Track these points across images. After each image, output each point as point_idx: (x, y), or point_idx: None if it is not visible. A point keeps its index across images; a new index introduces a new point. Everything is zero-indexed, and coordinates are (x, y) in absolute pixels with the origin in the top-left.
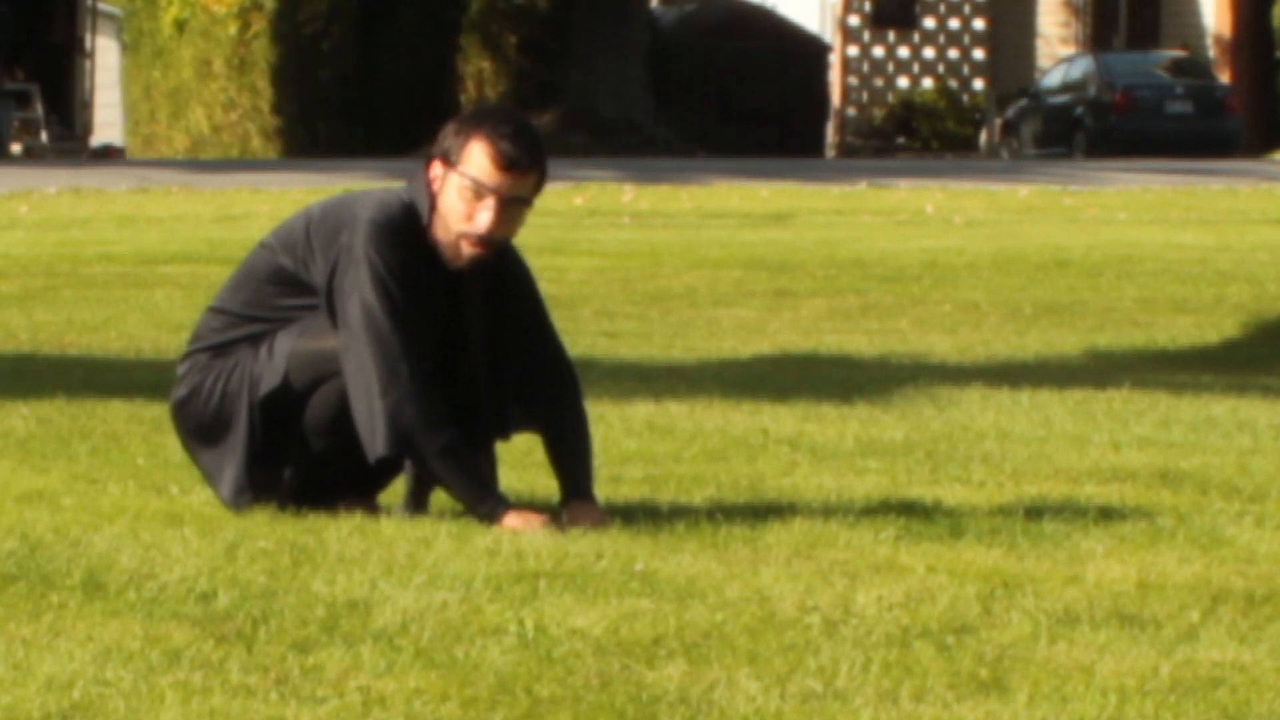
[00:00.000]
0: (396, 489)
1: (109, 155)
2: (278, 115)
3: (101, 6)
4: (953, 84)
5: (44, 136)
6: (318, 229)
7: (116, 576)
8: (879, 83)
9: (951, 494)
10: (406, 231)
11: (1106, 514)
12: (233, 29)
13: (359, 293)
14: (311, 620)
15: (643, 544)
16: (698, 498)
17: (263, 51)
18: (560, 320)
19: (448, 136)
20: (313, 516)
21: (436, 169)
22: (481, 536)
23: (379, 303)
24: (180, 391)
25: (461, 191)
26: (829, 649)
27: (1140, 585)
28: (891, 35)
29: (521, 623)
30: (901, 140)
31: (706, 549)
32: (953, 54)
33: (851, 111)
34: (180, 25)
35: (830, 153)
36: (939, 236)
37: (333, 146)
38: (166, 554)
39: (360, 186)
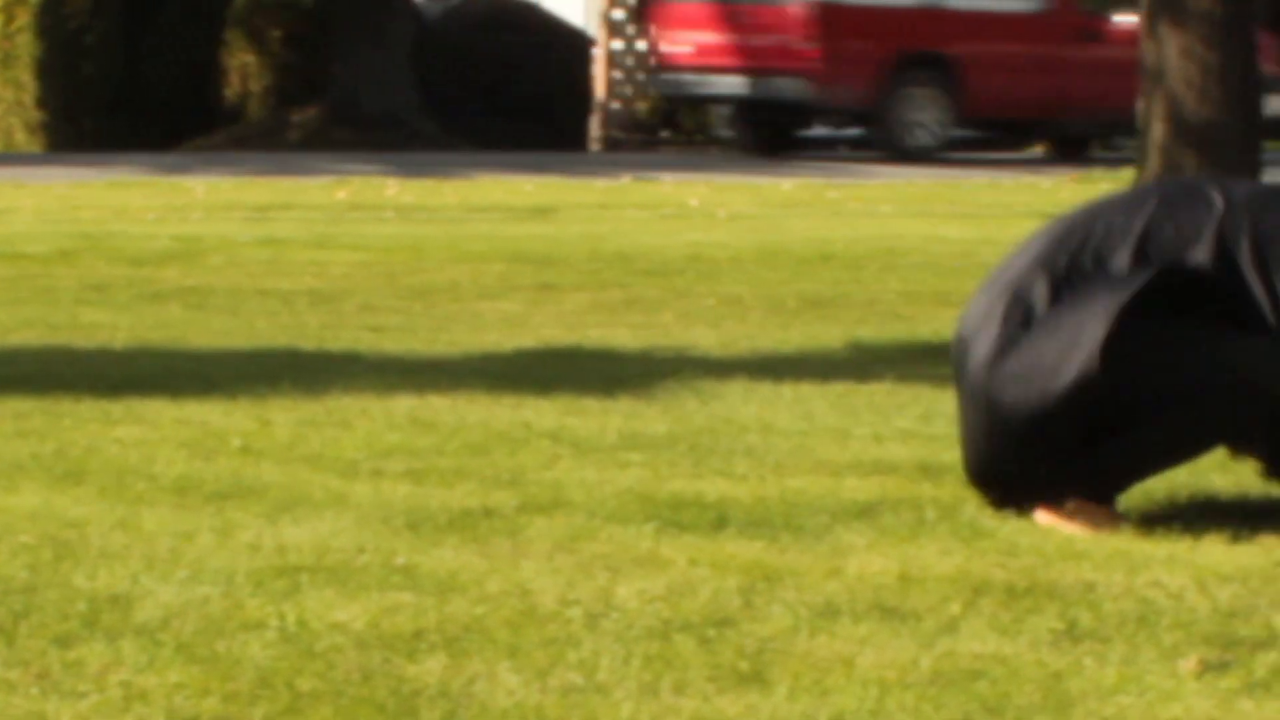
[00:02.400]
0: None
1: None
2: (42, 109)
3: None
4: None
5: None
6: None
7: None
8: (643, 77)
9: (714, 487)
10: None
11: (868, 507)
12: None
13: None
14: (72, 615)
15: (404, 538)
16: (459, 491)
17: (26, 45)
18: (322, 315)
19: None
20: (74, 511)
21: None
22: (244, 531)
23: None
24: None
25: None
26: (590, 642)
27: (901, 578)
28: (655, 29)
29: (283, 617)
30: (665, 134)
31: (468, 543)
32: None
33: (615, 105)
34: None
35: (595, 146)
36: (703, 230)
37: (98, 140)
38: None
39: (125, 180)
